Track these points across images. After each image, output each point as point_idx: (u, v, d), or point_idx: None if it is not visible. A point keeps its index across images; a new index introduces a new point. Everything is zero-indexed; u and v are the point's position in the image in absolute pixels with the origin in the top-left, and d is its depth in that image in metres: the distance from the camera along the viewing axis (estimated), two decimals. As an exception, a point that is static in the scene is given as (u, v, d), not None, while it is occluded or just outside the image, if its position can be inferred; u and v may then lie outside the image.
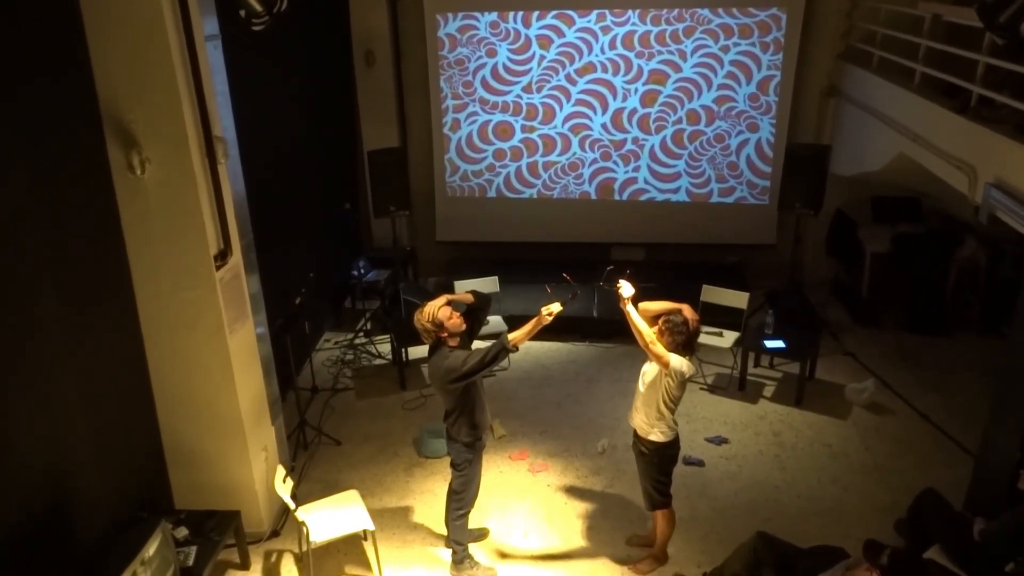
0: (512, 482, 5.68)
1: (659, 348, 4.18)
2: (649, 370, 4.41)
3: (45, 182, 3.73)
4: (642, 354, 4.43)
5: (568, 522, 5.27)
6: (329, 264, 7.90)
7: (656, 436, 4.41)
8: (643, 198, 8.63)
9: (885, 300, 7.89)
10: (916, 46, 6.19)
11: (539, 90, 8.34)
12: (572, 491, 5.57)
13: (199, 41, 4.14)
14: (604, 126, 8.40)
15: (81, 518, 3.97)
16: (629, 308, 4.24)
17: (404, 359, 7.01)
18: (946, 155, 5.28)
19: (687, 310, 4.32)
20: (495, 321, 6.84)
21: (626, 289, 4.26)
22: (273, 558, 5.01)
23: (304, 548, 4.69)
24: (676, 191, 8.57)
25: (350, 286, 8.27)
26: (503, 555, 5.01)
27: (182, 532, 4.35)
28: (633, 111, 8.31)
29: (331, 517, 4.69)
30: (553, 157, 8.58)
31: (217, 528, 4.45)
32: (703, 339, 4.85)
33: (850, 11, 7.77)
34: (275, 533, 5.18)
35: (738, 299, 6.81)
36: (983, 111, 5.01)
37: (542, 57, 8.22)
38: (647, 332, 4.20)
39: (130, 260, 4.38)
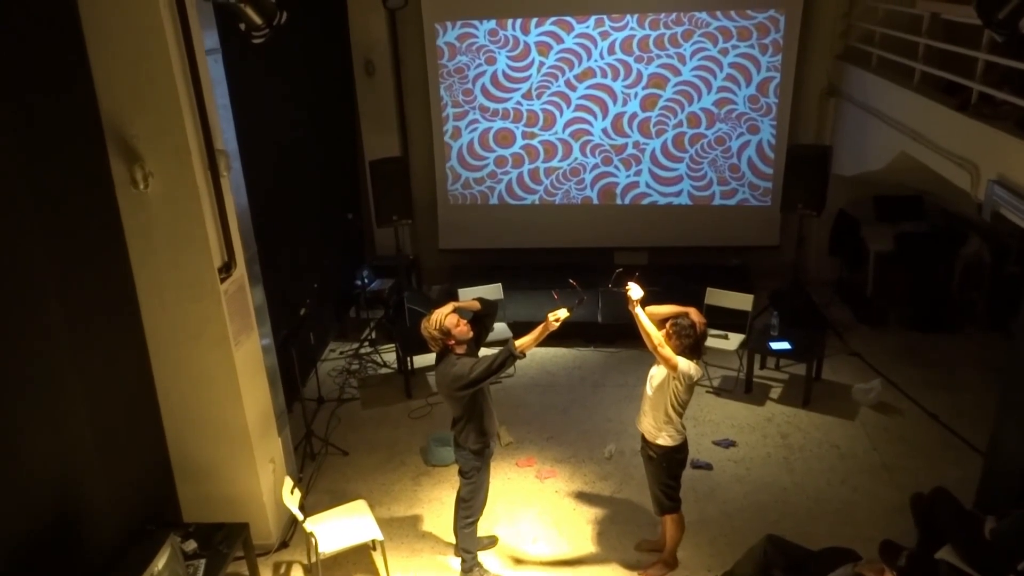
0: (520, 489, 5.66)
1: (667, 351, 4.18)
2: (656, 374, 4.41)
3: (49, 197, 3.74)
4: (647, 358, 4.42)
5: (577, 528, 5.26)
6: (333, 274, 7.91)
7: (664, 440, 4.40)
8: (645, 202, 8.63)
9: (890, 299, 7.88)
10: (915, 45, 6.20)
11: (539, 96, 8.36)
12: (580, 497, 5.56)
13: (200, 55, 4.16)
14: (605, 131, 8.41)
15: (89, 532, 3.96)
16: (638, 311, 4.24)
17: (410, 368, 7.01)
18: (948, 153, 5.27)
19: (694, 313, 4.32)
20: (499, 328, 6.83)
21: (635, 292, 4.25)
22: (282, 570, 5.01)
23: (313, 559, 4.68)
24: (678, 194, 8.57)
25: (354, 296, 8.28)
26: (512, 562, 5.00)
27: (191, 545, 4.34)
28: (633, 115, 8.32)
29: (339, 527, 4.68)
30: (554, 163, 8.59)
31: (226, 541, 4.43)
32: (708, 342, 4.84)
33: (848, 11, 7.78)
34: (284, 545, 5.18)
35: (742, 301, 6.81)
36: (984, 108, 5.01)
37: (541, 63, 8.24)
38: (656, 335, 4.20)
39: (134, 273, 4.39)
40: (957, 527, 4.45)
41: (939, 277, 7.67)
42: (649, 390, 4.44)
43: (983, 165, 4.79)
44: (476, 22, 8.15)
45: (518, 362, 4.46)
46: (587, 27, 8.07)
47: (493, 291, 7.06)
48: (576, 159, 8.55)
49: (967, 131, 5.04)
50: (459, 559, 4.83)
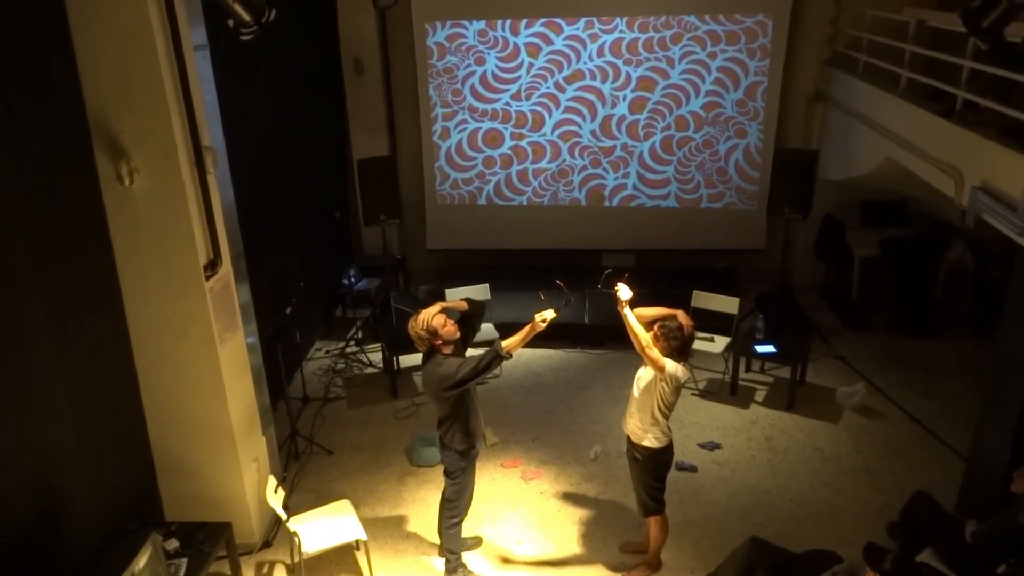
0: (505, 490, 5.66)
1: (655, 352, 4.19)
2: (644, 375, 4.42)
3: (33, 192, 3.71)
4: (633, 360, 4.43)
5: (562, 529, 5.26)
6: (319, 273, 7.88)
7: (650, 442, 4.41)
8: (633, 204, 8.65)
9: (874, 303, 7.94)
10: (901, 51, 6.25)
11: (528, 98, 8.37)
12: (565, 498, 5.57)
13: (187, 51, 4.13)
14: (593, 133, 8.43)
15: (70, 531, 3.93)
16: (626, 312, 4.25)
17: (395, 368, 6.99)
18: (932, 159, 5.31)
19: (682, 316, 4.33)
20: (486, 328, 6.82)
21: (624, 292, 4.26)
22: (265, 569, 4.98)
23: (296, 559, 4.66)
24: (666, 197, 8.60)
25: (341, 295, 8.26)
26: (497, 563, 5.00)
27: (172, 544, 4.31)
28: (622, 118, 8.34)
29: (323, 527, 4.66)
30: (543, 164, 8.60)
31: (208, 540, 4.40)
32: (694, 344, 4.86)
33: (835, 17, 7.84)
34: (267, 544, 5.15)
35: (729, 304, 6.83)
36: (968, 115, 5.05)
37: (531, 65, 8.25)
38: (644, 336, 4.21)
39: (119, 270, 4.35)
40: (938, 531, 4.49)
41: (923, 282, 7.73)
42: (636, 392, 4.45)
43: (967, 171, 4.83)
44: (466, 22, 8.15)
45: (504, 363, 4.46)
46: (577, 29, 8.08)
47: (480, 291, 7.05)
48: (564, 161, 8.56)
49: (952, 138, 5.08)
50: (443, 560, 4.82)
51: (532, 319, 4.20)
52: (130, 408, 4.60)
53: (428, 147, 8.63)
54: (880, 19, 7.04)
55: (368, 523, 5.05)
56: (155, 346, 4.53)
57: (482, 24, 8.15)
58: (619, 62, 8.15)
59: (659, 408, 4.34)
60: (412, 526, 5.32)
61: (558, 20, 8.07)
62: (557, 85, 8.29)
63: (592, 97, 8.30)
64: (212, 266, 4.46)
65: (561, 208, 8.73)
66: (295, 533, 4.55)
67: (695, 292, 6.93)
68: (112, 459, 4.39)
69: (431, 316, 4.26)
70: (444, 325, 4.27)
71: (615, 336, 5.56)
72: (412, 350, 4.53)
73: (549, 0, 8.02)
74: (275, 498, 4.60)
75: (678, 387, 4.33)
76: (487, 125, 8.50)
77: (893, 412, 6.48)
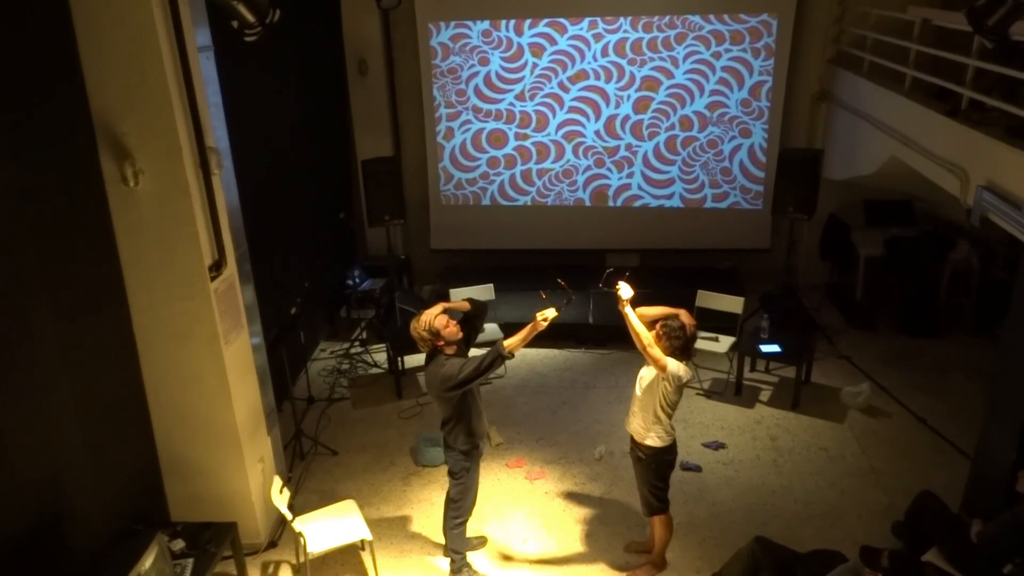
0: (509, 490, 5.66)
1: (657, 351, 4.19)
2: (646, 374, 4.42)
3: (38, 194, 3.72)
4: (638, 360, 4.43)
5: (566, 529, 5.26)
6: (324, 274, 7.89)
7: (652, 441, 4.41)
8: (637, 204, 8.65)
9: (879, 303, 7.93)
10: (906, 50, 6.24)
11: (532, 98, 8.37)
12: (570, 498, 5.57)
13: (191, 52, 4.15)
14: (597, 133, 8.43)
15: (76, 532, 3.94)
16: (628, 310, 4.25)
17: (400, 368, 7.00)
18: (937, 158, 5.30)
19: (684, 315, 4.33)
20: (490, 328, 6.84)
21: (625, 291, 4.26)
22: (270, 569, 4.99)
23: (302, 559, 4.67)
24: (670, 197, 8.59)
25: (345, 295, 8.27)
26: (501, 563, 5.00)
27: (178, 544, 4.32)
28: (626, 118, 8.34)
29: (328, 527, 4.67)
30: (547, 164, 8.60)
31: (213, 540, 4.42)
32: (699, 344, 4.86)
33: (840, 16, 7.83)
34: (272, 544, 5.16)
35: (733, 304, 6.83)
36: (973, 114, 5.04)
37: (535, 65, 8.25)
38: (645, 335, 4.21)
39: (124, 271, 4.37)
40: (944, 530, 4.48)
41: (928, 282, 7.71)
42: (638, 391, 4.45)
43: (972, 171, 4.82)
44: (470, 23, 8.16)
45: (509, 363, 4.47)
46: (580, 29, 8.08)
47: (484, 292, 7.05)
48: (569, 161, 8.56)
49: (957, 137, 5.07)
50: (448, 559, 4.83)
51: (534, 318, 4.20)
52: (135, 409, 4.61)
53: (432, 147, 8.64)
54: (885, 18, 7.03)
55: (373, 523, 5.07)
56: (160, 347, 4.54)
57: (486, 24, 8.15)
58: (623, 62, 8.14)
59: (661, 407, 4.34)
60: (417, 526, 5.32)
61: (562, 20, 8.07)
62: (561, 85, 8.29)
63: (596, 97, 8.30)
64: (217, 267, 4.47)
65: (565, 208, 8.73)
66: (300, 533, 4.56)
67: (700, 292, 6.93)
68: (117, 459, 4.40)
69: (433, 317, 4.26)
70: (446, 326, 4.28)
71: (619, 336, 5.56)
72: (416, 350, 4.53)
73: (553, 0, 8.02)
74: (280, 498, 4.61)
75: (680, 386, 4.32)
76: (491, 125, 8.50)
77: (898, 412, 6.47)
